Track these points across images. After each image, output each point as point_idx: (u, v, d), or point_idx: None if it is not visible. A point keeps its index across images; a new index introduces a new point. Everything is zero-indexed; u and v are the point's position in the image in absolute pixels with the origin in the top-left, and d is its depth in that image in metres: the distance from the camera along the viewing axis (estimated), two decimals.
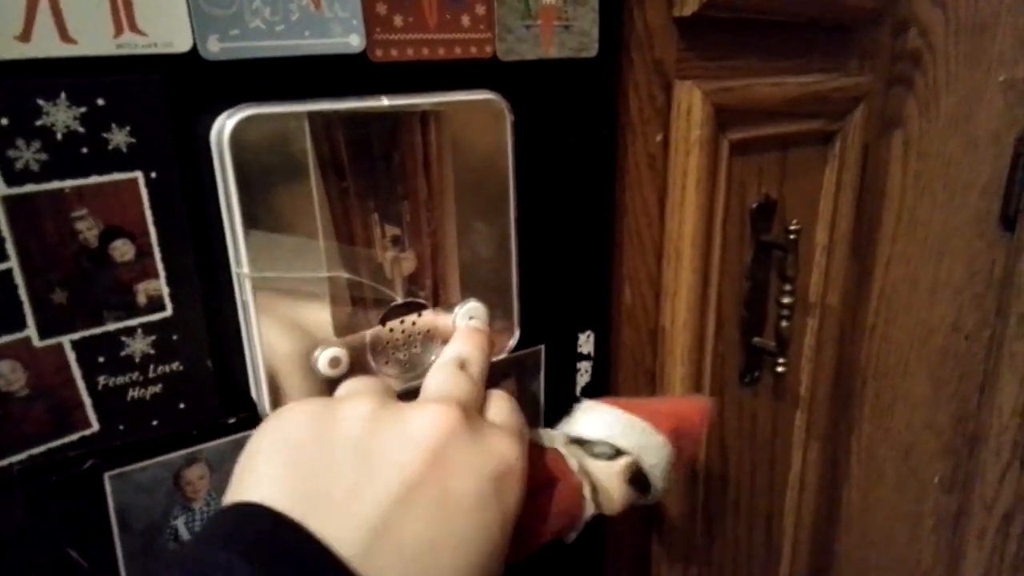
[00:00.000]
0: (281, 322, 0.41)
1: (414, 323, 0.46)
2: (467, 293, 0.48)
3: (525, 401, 0.57)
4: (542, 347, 0.57)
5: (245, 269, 0.39)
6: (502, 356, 0.51)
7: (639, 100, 0.61)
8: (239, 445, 0.43)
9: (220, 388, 0.42)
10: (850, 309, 0.90)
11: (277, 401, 0.41)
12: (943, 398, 0.89)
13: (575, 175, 0.56)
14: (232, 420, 0.43)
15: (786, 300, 0.72)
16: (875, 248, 0.90)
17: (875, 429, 0.96)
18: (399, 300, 0.45)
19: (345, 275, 0.42)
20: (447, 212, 0.46)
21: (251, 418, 0.42)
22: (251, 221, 0.39)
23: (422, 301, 0.46)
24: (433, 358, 0.47)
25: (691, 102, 0.62)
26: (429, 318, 0.47)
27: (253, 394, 0.42)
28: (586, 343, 0.61)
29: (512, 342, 0.51)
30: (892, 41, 0.84)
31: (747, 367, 0.77)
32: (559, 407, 0.59)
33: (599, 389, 0.63)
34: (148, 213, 0.37)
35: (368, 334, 0.44)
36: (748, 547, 0.88)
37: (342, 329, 0.43)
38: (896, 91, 0.87)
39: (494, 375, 0.55)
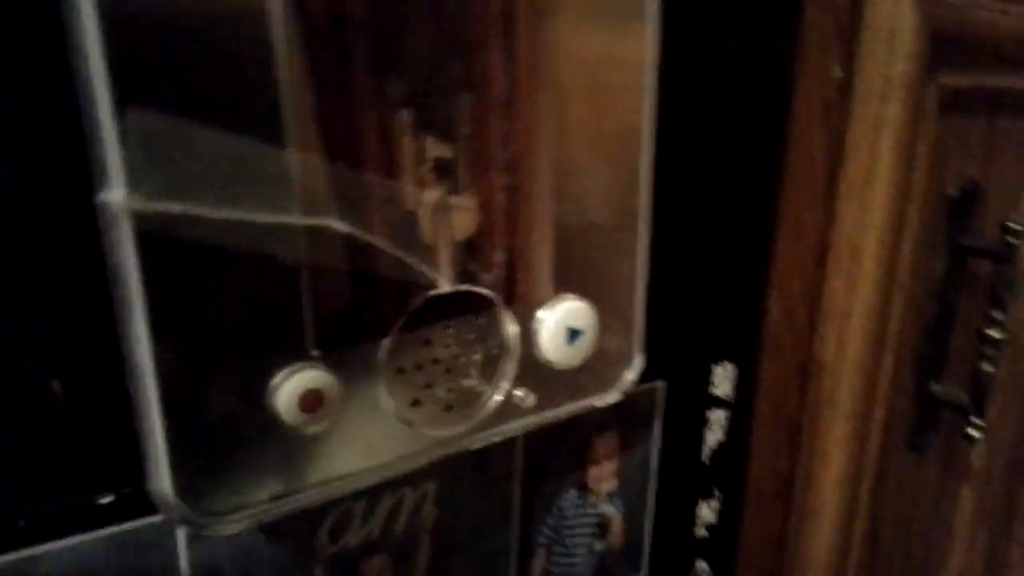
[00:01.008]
0: (202, 312, 0.20)
1: (468, 332, 0.25)
2: (563, 285, 0.27)
3: (629, 466, 0.35)
4: (661, 384, 0.36)
5: (119, 195, 0.18)
6: (613, 400, 0.29)
7: (819, 12, 0.40)
8: (122, 546, 0.23)
9: (81, 438, 0.21)
10: None
11: (188, 473, 0.20)
12: None
13: (731, 107, 0.35)
14: (106, 499, 0.22)
15: (994, 334, 0.50)
16: None
17: None
18: (444, 287, 0.24)
19: (338, 226, 0.21)
20: (542, 127, 0.24)
21: (137, 495, 0.21)
22: (134, 93, 0.18)
23: (484, 292, 0.25)
24: (498, 398, 0.26)
25: (898, 20, 0.40)
26: (495, 323, 0.26)
27: (143, 453, 0.21)
28: (723, 381, 0.39)
29: (632, 375, 0.30)
30: None
31: (919, 425, 0.54)
32: (677, 477, 0.38)
33: (736, 452, 0.41)
34: None
35: (383, 347, 0.23)
36: None
37: (330, 335, 0.22)
38: None
39: (589, 425, 0.33)
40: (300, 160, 0.21)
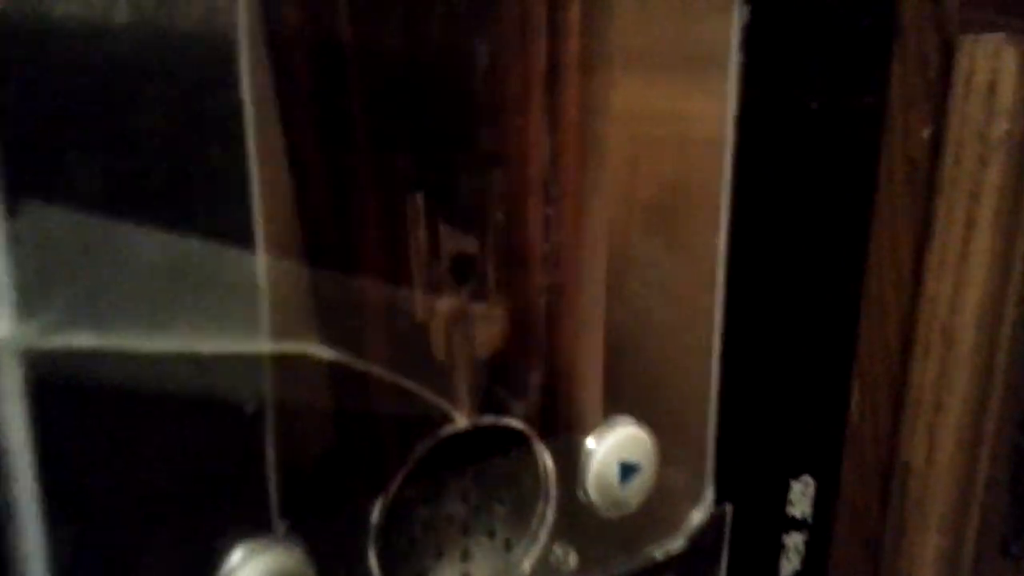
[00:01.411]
0: (123, 483, 0.14)
1: (491, 476, 0.19)
2: (614, 407, 0.21)
3: None
4: (729, 508, 0.29)
5: (5, 328, 0.13)
6: (677, 548, 0.23)
7: (904, 66, 0.34)
8: None
9: None
10: None
11: None
12: None
13: (813, 174, 0.29)
14: None
15: None
16: None
17: None
18: (461, 422, 0.18)
19: (319, 352, 0.16)
20: (592, 210, 0.19)
21: None
22: (30, 182, 0.13)
23: (516, 424, 0.19)
24: (530, 562, 0.20)
25: (997, 71, 0.35)
26: (528, 462, 0.20)
27: None
28: (801, 499, 0.32)
29: (701, 514, 0.24)
30: None
31: (1015, 529, 0.47)
32: None
33: None
34: None
35: (376, 509, 0.17)
36: None
37: (303, 500, 0.16)
38: None
39: (639, 569, 0.27)
40: (271, 265, 0.15)
